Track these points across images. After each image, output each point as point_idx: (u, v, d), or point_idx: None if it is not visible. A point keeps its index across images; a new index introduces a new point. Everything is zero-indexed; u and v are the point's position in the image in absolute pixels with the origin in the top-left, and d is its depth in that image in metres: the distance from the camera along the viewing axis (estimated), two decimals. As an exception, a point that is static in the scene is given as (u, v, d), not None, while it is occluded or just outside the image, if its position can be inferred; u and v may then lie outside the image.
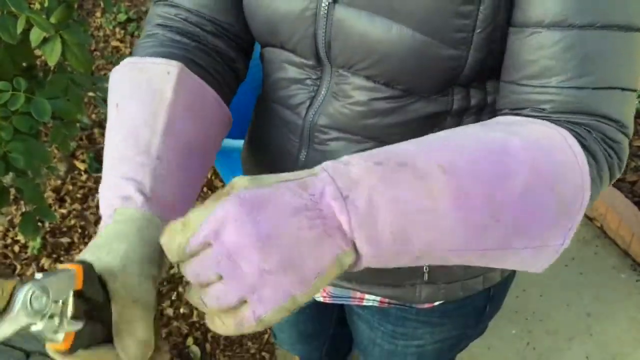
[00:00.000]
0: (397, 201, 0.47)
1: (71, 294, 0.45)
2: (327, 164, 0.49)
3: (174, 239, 0.45)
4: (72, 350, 0.47)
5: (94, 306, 0.48)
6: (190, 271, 0.45)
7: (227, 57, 0.76)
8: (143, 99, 0.63)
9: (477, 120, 0.70)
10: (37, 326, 0.44)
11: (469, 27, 0.59)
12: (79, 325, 0.46)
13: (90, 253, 0.52)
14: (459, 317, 0.93)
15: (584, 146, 0.54)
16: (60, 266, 0.47)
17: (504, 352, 1.89)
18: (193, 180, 0.65)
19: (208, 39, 0.73)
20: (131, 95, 0.65)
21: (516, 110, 0.60)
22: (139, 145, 0.60)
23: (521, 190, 0.50)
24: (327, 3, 0.64)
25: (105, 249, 0.52)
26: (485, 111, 0.69)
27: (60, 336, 0.45)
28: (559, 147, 0.53)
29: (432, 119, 0.68)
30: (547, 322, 1.98)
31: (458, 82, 0.65)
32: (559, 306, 2.02)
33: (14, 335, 0.44)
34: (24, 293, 0.43)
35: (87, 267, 0.48)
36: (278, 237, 0.44)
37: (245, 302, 0.45)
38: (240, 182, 0.46)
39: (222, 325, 0.46)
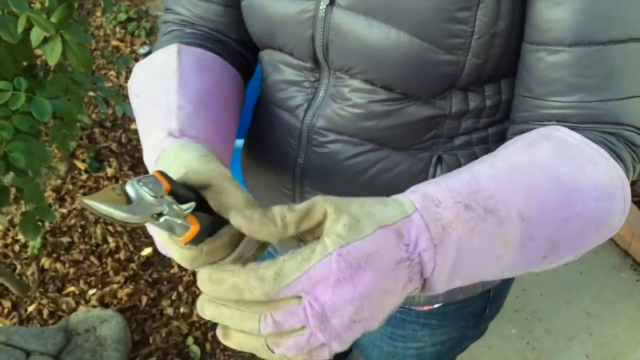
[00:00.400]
0: (478, 252, 0.48)
1: (164, 189, 0.46)
2: (416, 200, 0.47)
3: (263, 283, 0.43)
4: (203, 230, 0.47)
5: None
6: (277, 317, 0.43)
7: (236, 50, 0.80)
8: (154, 78, 0.69)
9: (475, 125, 0.70)
10: (165, 209, 0.45)
11: (466, 33, 0.59)
12: (191, 205, 0.46)
13: (172, 170, 0.53)
14: (459, 319, 0.93)
15: (617, 156, 0.57)
16: (131, 180, 0.46)
17: (504, 352, 1.89)
18: (219, 125, 0.67)
19: (216, 36, 0.79)
20: (145, 82, 0.70)
21: (542, 123, 0.61)
22: (161, 107, 0.64)
23: (577, 234, 0.53)
24: (324, 6, 0.64)
25: (174, 162, 0.54)
26: (483, 114, 0.69)
27: (184, 222, 0.46)
28: (616, 194, 0.55)
29: (430, 121, 0.68)
30: (547, 322, 1.98)
31: (456, 86, 0.65)
32: (559, 306, 2.02)
33: (141, 226, 0.45)
34: (136, 185, 0.44)
35: (163, 172, 0.48)
36: (372, 294, 0.44)
37: (323, 344, 0.45)
38: (336, 225, 0.44)
39: None
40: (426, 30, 0.59)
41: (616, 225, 0.57)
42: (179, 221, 0.46)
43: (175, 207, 0.46)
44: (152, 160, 0.59)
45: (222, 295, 0.44)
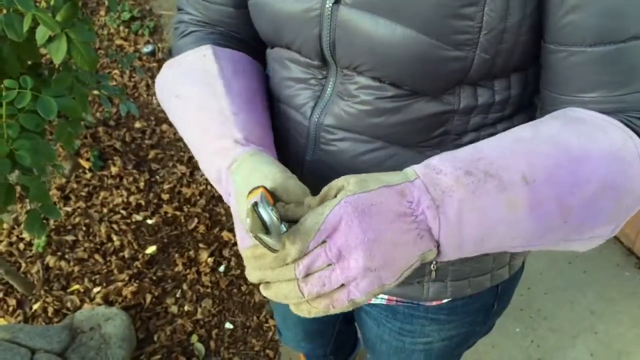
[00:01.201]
0: (482, 212, 0.53)
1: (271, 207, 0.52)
2: (419, 169, 0.54)
3: (295, 243, 0.50)
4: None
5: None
6: (306, 262, 0.51)
7: (253, 46, 0.82)
8: (195, 80, 0.73)
9: (484, 120, 0.70)
10: (283, 229, 0.52)
11: (473, 29, 0.59)
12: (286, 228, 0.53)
13: (253, 181, 0.59)
14: (467, 315, 0.93)
15: (635, 131, 0.58)
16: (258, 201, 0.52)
17: (509, 350, 1.89)
18: (266, 128, 0.74)
19: (233, 34, 0.82)
20: (183, 83, 0.74)
21: None
22: (213, 112, 0.69)
23: (589, 199, 0.55)
24: (330, 4, 0.64)
25: (254, 173, 0.60)
26: (492, 110, 0.69)
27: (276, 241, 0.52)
28: (630, 159, 0.56)
29: (438, 117, 0.68)
30: (552, 320, 1.98)
31: (465, 81, 0.65)
32: (563, 304, 2.02)
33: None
34: (268, 210, 0.50)
35: (266, 189, 0.56)
36: (381, 240, 0.51)
37: (342, 286, 0.52)
38: (347, 185, 0.52)
39: (310, 308, 0.53)
40: (432, 27, 0.59)
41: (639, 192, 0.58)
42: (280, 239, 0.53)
43: (288, 227, 0.52)
44: (220, 166, 0.65)
45: (267, 265, 0.52)
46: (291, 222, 0.54)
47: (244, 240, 0.62)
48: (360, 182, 0.52)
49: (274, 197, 0.56)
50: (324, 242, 0.51)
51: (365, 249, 0.50)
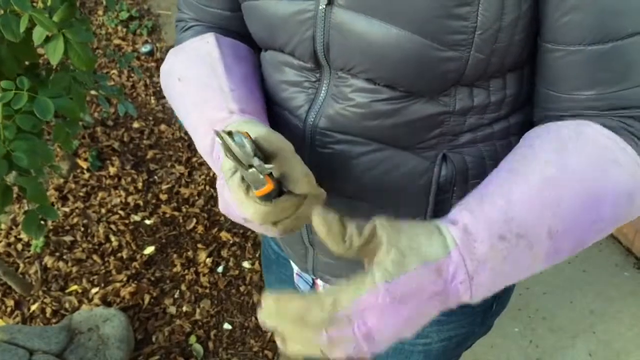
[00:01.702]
0: (508, 273, 0.55)
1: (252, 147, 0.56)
2: (457, 236, 0.53)
3: (322, 311, 0.50)
4: (274, 191, 0.57)
5: None
6: (332, 333, 0.51)
7: (252, 44, 0.83)
8: (198, 64, 0.76)
9: (480, 120, 0.69)
10: (255, 162, 0.55)
11: (468, 29, 0.59)
12: (272, 166, 0.56)
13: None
14: (466, 315, 0.92)
15: (637, 138, 0.60)
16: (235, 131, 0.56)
17: (507, 350, 1.89)
18: (260, 102, 0.75)
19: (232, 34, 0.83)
20: (187, 67, 0.77)
21: (566, 113, 0.63)
22: (213, 89, 0.71)
23: (599, 233, 0.59)
24: (324, 6, 0.63)
25: (244, 127, 0.62)
26: (488, 110, 0.69)
27: (264, 179, 0.56)
28: (637, 189, 0.59)
29: (434, 119, 0.68)
30: (551, 320, 1.97)
31: (460, 82, 0.64)
32: (562, 304, 2.02)
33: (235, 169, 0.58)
34: (244, 138, 0.54)
35: (249, 135, 0.57)
36: (411, 320, 0.52)
37: None
38: (385, 264, 0.51)
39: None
40: (426, 28, 0.59)
41: (638, 213, 0.62)
42: (260, 177, 0.55)
43: (263, 164, 0.55)
44: (212, 136, 0.68)
45: (286, 322, 0.52)
46: (268, 157, 0.58)
47: (224, 192, 0.63)
48: (400, 261, 0.51)
49: (255, 144, 0.58)
50: (350, 318, 0.51)
51: (395, 332, 0.52)
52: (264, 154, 0.59)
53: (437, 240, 0.53)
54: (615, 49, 0.57)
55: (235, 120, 0.66)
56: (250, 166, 0.55)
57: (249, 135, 0.57)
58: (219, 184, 0.66)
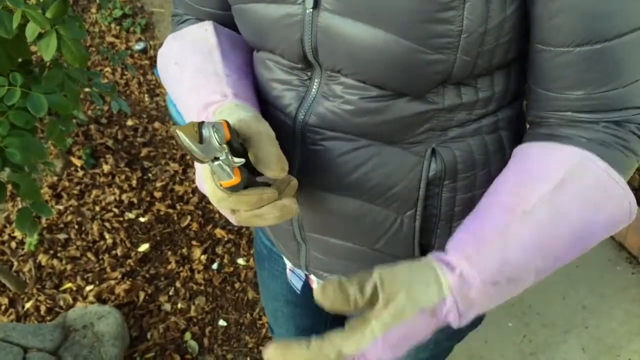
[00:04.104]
0: (497, 303, 0.61)
1: (225, 137, 0.58)
2: (453, 283, 0.58)
3: (326, 353, 0.56)
4: (241, 183, 0.60)
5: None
6: None
7: None
8: (195, 49, 0.78)
9: (468, 116, 0.70)
10: (222, 155, 0.57)
11: (454, 32, 0.59)
12: (242, 160, 0.59)
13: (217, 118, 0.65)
14: None
15: (631, 150, 0.62)
16: (207, 122, 0.58)
17: (501, 345, 1.90)
18: (252, 94, 0.77)
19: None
20: (183, 51, 0.79)
21: (558, 112, 0.65)
22: (208, 74, 0.74)
23: (579, 254, 0.64)
24: (310, 10, 0.64)
25: (230, 116, 0.65)
26: (476, 106, 0.69)
27: (230, 172, 0.58)
28: (623, 219, 0.63)
29: (423, 115, 0.68)
30: (544, 315, 1.99)
31: (447, 82, 0.65)
32: (555, 299, 2.03)
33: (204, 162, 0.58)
34: (211, 129, 0.56)
35: (228, 123, 0.60)
36: (407, 349, 0.59)
37: None
38: (384, 318, 0.56)
39: None
40: (412, 31, 0.59)
41: (626, 223, 0.65)
42: (227, 169, 0.58)
43: (230, 157, 0.58)
44: (203, 116, 0.70)
45: (329, 304, 0.56)
46: (239, 156, 0.59)
47: (199, 168, 0.66)
48: (397, 313, 0.56)
49: (234, 134, 0.60)
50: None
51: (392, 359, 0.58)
52: (243, 138, 0.62)
53: (433, 287, 0.58)
54: (604, 50, 0.58)
55: (228, 103, 0.69)
56: (216, 158, 0.57)
57: (226, 123, 0.59)
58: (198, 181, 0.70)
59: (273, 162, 0.62)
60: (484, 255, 0.59)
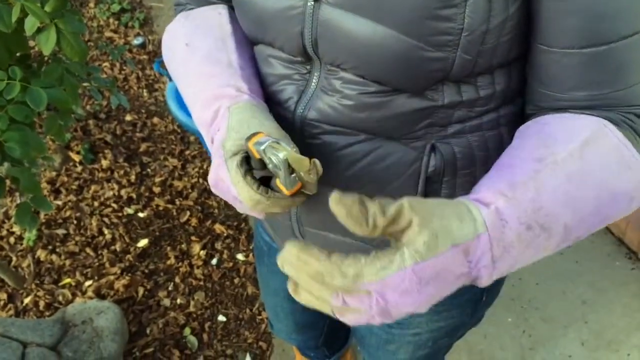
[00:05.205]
0: (524, 261, 0.56)
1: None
2: (489, 220, 0.53)
3: (343, 278, 0.50)
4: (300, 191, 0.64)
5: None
6: (348, 300, 0.51)
7: None
8: (207, 33, 0.77)
9: (469, 113, 0.70)
10: (287, 173, 0.61)
11: (455, 30, 0.59)
12: (311, 177, 0.63)
13: (250, 128, 0.65)
14: (456, 306, 0.93)
15: (637, 133, 0.61)
16: (253, 139, 0.63)
17: (500, 340, 1.91)
18: (261, 89, 0.77)
19: None
20: (195, 33, 0.78)
21: (561, 111, 0.64)
22: (222, 63, 0.73)
23: (597, 228, 0.61)
24: (312, 2, 0.64)
25: (252, 119, 0.66)
26: (477, 104, 0.69)
27: (295, 179, 0.62)
28: (637, 184, 0.61)
29: (422, 112, 0.68)
30: (543, 310, 1.99)
31: (447, 79, 0.65)
32: (555, 294, 2.03)
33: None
34: (273, 155, 0.61)
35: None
36: (433, 298, 0.52)
37: None
38: (417, 245, 0.49)
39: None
40: (413, 28, 0.59)
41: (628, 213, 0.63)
42: (293, 177, 0.62)
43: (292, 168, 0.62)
44: (220, 106, 0.69)
45: (304, 275, 0.51)
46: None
47: (220, 169, 0.66)
48: (431, 242, 0.50)
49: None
50: (369, 291, 0.50)
51: (413, 309, 0.52)
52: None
53: (467, 222, 0.52)
54: (609, 51, 0.58)
55: (244, 99, 0.69)
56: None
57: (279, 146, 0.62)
58: (215, 158, 0.67)
59: (308, 165, 0.63)
60: (518, 195, 0.54)
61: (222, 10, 0.79)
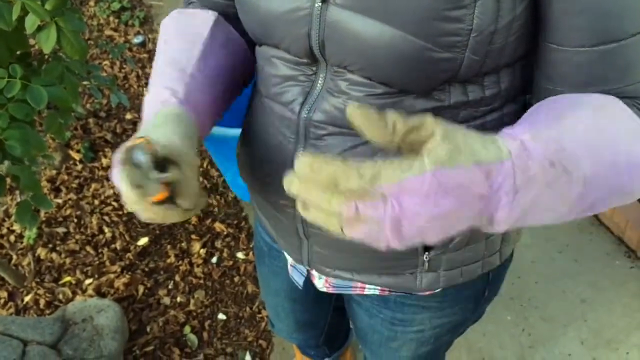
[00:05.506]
0: (543, 205, 0.52)
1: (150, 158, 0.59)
2: (514, 149, 0.50)
3: (360, 179, 0.46)
4: (169, 198, 0.60)
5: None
6: (360, 207, 0.47)
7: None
8: (185, 35, 0.79)
9: (474, 113, 0.70)
10: (152, 175, 0.58)
11: (464, 31, 0.59)
12: (169, 176, 0.59)
13: (146, 132, 0.64)
14: (458, 302, 0.93)
15: None
16: (135, 140, 0.60)
17: (500, 338, 1.91)
18: (216, 103, 0.78)
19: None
20: (176, 33, 0.80)
21: None
22: (177, 65, 0.75)
23: (613, 203, 0.58)
24: (319, 3, 0.63)
25: (160, 130, 0.65)
26: (482, 103, 0.69)
27: (157, 188, 0.59)
28: None
29: (428, 112, 0.68)
30: (543, 309, 1.99)
31: (454, 80, 0.65)
32: (554, 293, 2.04)
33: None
34: (141, 152, 0.59)
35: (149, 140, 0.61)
36: (447, 216, 0.48)
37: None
38: (438, 152, 0.47)
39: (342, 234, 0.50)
40: (421, 29, 0.59)
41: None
42: (156, 186, 0.59)
43: (157, 175, 0.59)
44: (150, 110, 0.71)
45: (314, 187, 0.47)
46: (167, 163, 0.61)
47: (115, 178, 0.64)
48: (454, 152, 0.47)
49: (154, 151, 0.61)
50: (384, 195, 0.47)
51: (427, 220, 0.47)
52: (167, 157, 0.61)
53: (491, 148, 0.49)
54: (618, 48, 0.58)
55: (170, 106, 0.69)
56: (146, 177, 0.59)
57: (149, 143, 0.60)
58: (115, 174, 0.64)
59: (193, 197, 0.62)
60: (543, 133, 0.52)
61: (211, 16, 0.80)
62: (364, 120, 0.48)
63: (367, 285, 0.92)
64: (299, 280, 1.02)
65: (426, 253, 0.80)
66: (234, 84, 0.84)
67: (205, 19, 0.80)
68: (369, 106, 0.48)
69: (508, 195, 0.49)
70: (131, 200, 0.60)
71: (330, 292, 0.97)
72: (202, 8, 0.84)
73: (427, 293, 0.89)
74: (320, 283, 0.97)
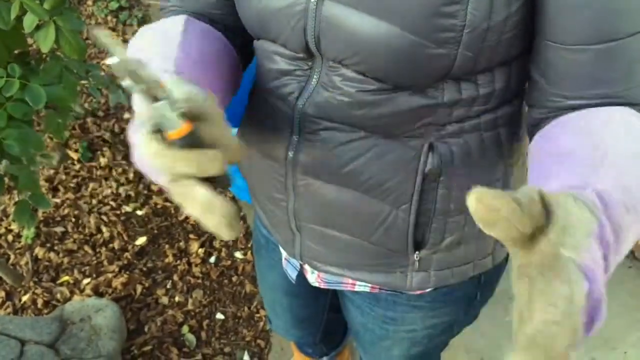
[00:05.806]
0: (630, 238, 0.50)
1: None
2: (595, 201, 0.46)
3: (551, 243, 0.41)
4: (188, 136, 0.48)
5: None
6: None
7: (235, 36, 0.79)
8: (158, 37, 0.69)
9: (467, 112, 0.70)
10: (163, 96, 0.46)
11: (457, 27, 0.59)
12: (192, 103, 0.48)
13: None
14: (449, 303, 0.93)
15: None
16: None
17: (498, 339, 1.91)
18: (213, 84, 0.67)
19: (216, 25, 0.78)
20: (149, 41, 0.69)
21: (567, 112, 0.62)
22: (161, 55, 0.64)
23: None
24: None
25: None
26: (476, 103, 0.69)
27: (176, 119, 0.47)
28: None
29: (421, 110, 0.68)
30: (540, 309, 1.99)
31: (448, 77, 0.65)
32: (552, 293, 2.04)
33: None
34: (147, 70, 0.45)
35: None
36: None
37: None
38: (584, 243, 0.42)
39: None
40: (416, 25, 0.59)
41: None
42: (174, 115, 0.47)
43: (174, 100, 0.47)
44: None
45: (494, 221, 0.40)
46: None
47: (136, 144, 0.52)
48: (585, 241, 0.42)
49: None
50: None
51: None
52: (193, 110, 0.50)
53: (583, 208, 0.44)
54: (620, 47, 0.57)
55: (166, 78, 0.54)
56: (156, 99, 0.46)
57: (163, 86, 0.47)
58: (132, 132, 0.57)
59: (234, 146, 0.52)
60: (601, 174, 0.49)
61: (179, 19, 0.72)
62: (494, 212, 0.39)
63: (358, 282, 0.92)
64: (292, 275, 1.03)
65: (417, 252, 0.80)
66: (225, 70, 0.75)
67: (175, 19, 0.73)
68: (486, 189, 0.40)
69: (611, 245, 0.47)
70: (151, 149, 0.48)
71: (322, 287, 0.98)
72: (183, 12, 0.78)
73: (418, 292, 0.89)
74: (313, 278, 0.97)
